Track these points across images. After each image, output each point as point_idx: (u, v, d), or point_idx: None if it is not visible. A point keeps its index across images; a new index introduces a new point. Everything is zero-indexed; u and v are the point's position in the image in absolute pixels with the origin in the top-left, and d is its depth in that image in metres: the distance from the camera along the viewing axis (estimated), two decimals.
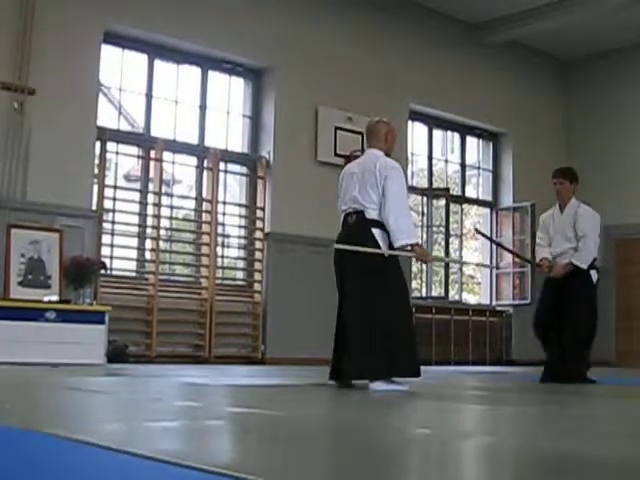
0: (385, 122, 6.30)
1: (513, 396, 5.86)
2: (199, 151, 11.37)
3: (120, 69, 10.84)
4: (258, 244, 11.54)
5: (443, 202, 14.26)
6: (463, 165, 14.89)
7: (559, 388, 6.63)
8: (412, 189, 13.66)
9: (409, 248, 5.93)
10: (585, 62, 15.22)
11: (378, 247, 5.90)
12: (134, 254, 10.87)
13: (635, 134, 14.45)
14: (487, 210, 14.96)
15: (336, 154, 11.61)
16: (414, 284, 13.61)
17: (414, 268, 13.58)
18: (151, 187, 10.82)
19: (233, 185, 12.20)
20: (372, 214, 5.94)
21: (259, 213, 11.58)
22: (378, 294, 5.87)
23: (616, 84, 14.74)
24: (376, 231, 5.92)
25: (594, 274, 7.61)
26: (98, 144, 10.18)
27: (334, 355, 6.03)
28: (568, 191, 7.69)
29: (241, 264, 11.96)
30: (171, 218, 11.43)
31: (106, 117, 10.71)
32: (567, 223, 7.57)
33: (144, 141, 10.86)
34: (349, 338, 5.83)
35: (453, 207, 14.59)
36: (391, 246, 5.90)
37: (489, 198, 14.92)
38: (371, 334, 5.78)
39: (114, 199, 10.47)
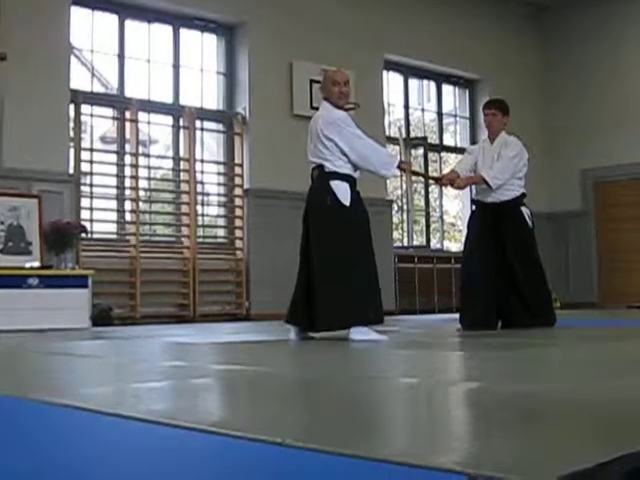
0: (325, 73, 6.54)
1: (497, 341, 5.90)
2: (174, 110, 11.31)
3: (91, 31, 10.73)
4: (238, 201, 11.53)
5: (421, 151, 14.27)
6: (440, 113, 14.87)
7: (539, 332, 6.67)
8: (390, 139, 13.63)
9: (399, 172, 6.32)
10: (559, 6, 15.15)
11: (336, 200, 6.02)
12: (114, 216, 10.84)
13: (612, 77, 14.45)
14: None
15: (312, 107, 11.55)
16: (395, 234, 13.65)
17: (395, 219, 13.61)
18: (128, 148, 10.78)
19: (210, 143, 12.16)
20: (330, 167, 6.05)
21: (237, 170, 11.56)
22: (344, 244, 5.99)
23: (591, 27, 14.70)
24: (335, 183, 6.04)
25: (525, 211, 7.30)
26: (72, 107, 10.10)
27: (298, 304, 6.14)
28: (499, 123, 7.44)
29: (222, 222, 11.95)
30: (149, 179, 11.38)
31: (79, 80, 10.61)
32: (495, 153, 7.27)
33: (118, 102, 10.80)
34: (318, 289, 5.96)
35: (431, 156, 14.60)
36: (354, 194, 6.09)
37: (467, 145, 14.89)
38: (340, 284, 5.91)
39: (91, 162, 10.41)
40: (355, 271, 5.97)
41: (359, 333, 5.81)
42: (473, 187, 7.72)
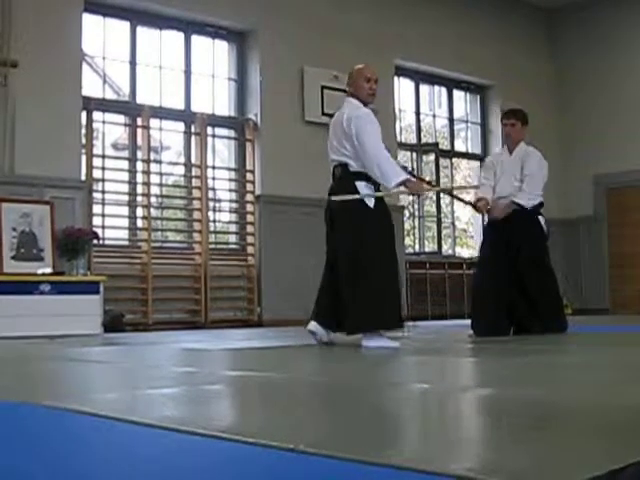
0: (352, 70, 6.36)
1: (509, 347, 5.89)
2: (186, 116, 11.33)
3: (102, 37, 10.76)
4: (249, 207, 11.53)
5: (432, 157, 14.26)
6: (451, 119, 14.86)
7: (551, 338, 6.66)
8: (401, 145, 13.64)
9: (402, 188, 6.01)
10: (570, 11, 15.13)
11: (361, 201, 5.92)
12: (126, 223, 10.85)
13: (624, 81, 14.42)
14: (477, 163, 14.94)
15: (324, 113, 11.55)
16: (407, 240, 13.63)
17: (407, 225, 13.60)
18: (139, 155, 10.79)
19: (222, 149, 12.17)
20: (354, 166, 5.93)
21: (249, 176, 11.56)
22: (365, 248, 5.89)
23: (602, 32, 14.68)
24: (360, 184, 5.92)
25: (542, 220, 7.36)
26: (84, 114, 10.13)
27: (325, 305, 6.11)
28: (518, 133, 7.44)
29: (233, 228, 11.95)
30: (161, 185, 11.39)
31: (91, 86, 10.63)
32: (516, 164, 7.28)
33: (130, 109, 10.82)
34: (345, 292, 5.91)
35: (443, 162, 14.59)
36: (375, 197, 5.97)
37: (478, 151, 14.90)
38: (362, 289, 5.83)
39: (103, 168, 10.43)
40: (380, 274, 5.88)
41: (371, 340, 5.78)
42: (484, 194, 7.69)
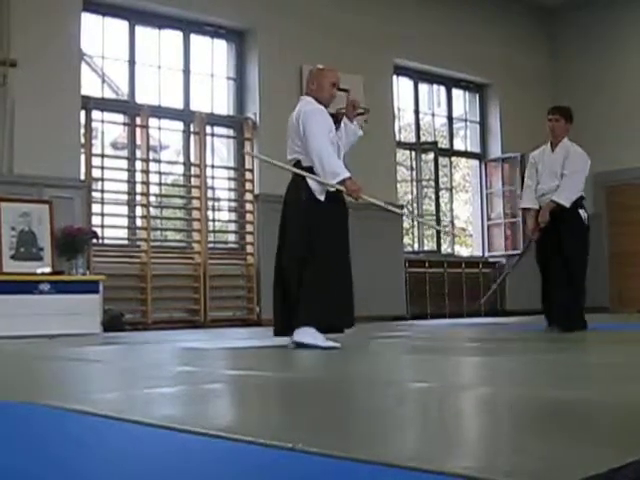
0: (314, 69, 6.25)
1: (509, 346, 5.89)
2: (185, 115, 11.32)
3: (101, 37, 10.76)
4: (248, 206, 11.53)
5: (431, 156, 14.25)
6: (450, 118, 14.84)
7: (553, 335, 6.65)
8: (400, 144, 13.65)
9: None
10: (569, 10, 15.12)
11: (312, 195, 5.79)
12: (125, 222, 10.86)
13: (622, 80, 14.41)
14: (476, 162, 14.94)
15: None
16: (406, 239, 13.63)
17: (405, 224, 13.59)
18: (139, 154, 10.79)
19: (220, 148, 12.17)
20: (306, 162, 5.84)
21: (248, 175, 11.56)
22: (316, 242, 5.73)
23: (601, 30, 14.65)
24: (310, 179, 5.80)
25: (583, 213, 7.39)
26: (83, 113, 10.13)
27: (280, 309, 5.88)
28: (562, 129, 7.47)
29: (232, 227, 11.95)
30: (160, 184, 11.40)
31: (90, 86, 10.63)
32: (558, 160, 7.32)
33: (129, 108, 10.82)
34: (288, 290, 5.75)
35: (442, 160, 14.59)
36: (328, 191, 5.81)
37: (477, 150, 14.89)
38: (306, 285, 5.64)
39: (102, 168, 10.43)
40: (326, 269, 5.68)
41: (305, 335, 5.55)
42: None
